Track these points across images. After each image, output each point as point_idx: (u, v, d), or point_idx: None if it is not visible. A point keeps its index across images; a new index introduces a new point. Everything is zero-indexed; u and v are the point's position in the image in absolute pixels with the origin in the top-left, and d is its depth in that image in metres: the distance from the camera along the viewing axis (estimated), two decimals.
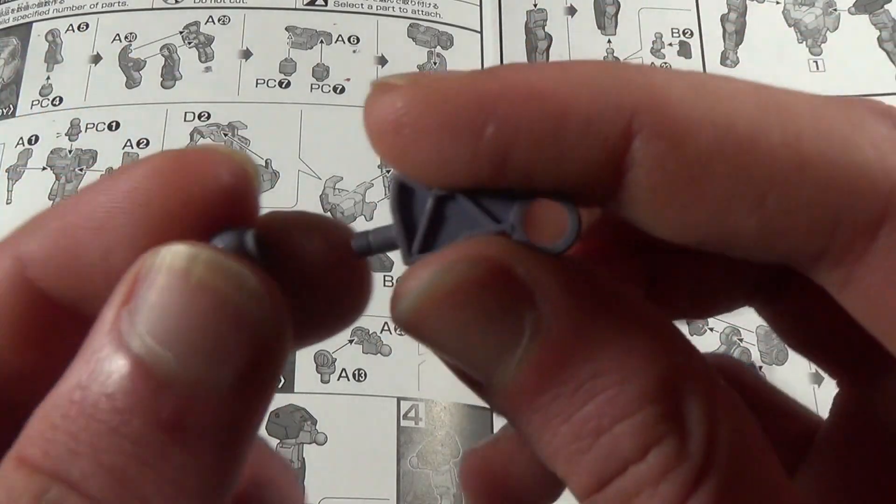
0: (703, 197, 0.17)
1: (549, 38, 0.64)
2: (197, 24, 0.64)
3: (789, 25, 0.65)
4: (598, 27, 0.65)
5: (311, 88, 0.61)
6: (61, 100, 0.61)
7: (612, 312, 0.18)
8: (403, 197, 0.19)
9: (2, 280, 0.20)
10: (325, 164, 0.59)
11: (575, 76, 0.18)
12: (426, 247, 0.19)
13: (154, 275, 0.18)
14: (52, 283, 0.20)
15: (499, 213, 0.19)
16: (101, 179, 0.20)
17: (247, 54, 0.63)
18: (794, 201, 0.17)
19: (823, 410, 0.55)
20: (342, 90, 0.61)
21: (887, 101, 0.62)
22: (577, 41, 0.64)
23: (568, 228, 0.18)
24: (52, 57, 0.62)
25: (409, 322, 0.18)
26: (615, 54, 0.64)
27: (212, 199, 0.19)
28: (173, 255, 0.18)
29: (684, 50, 0.64)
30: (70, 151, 0.59)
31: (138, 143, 0.59)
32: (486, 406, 0.56)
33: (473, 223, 0.19)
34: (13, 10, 0.65)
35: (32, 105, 0.61)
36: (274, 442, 0.51)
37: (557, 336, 0.18)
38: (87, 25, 0.64)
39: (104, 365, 0.17)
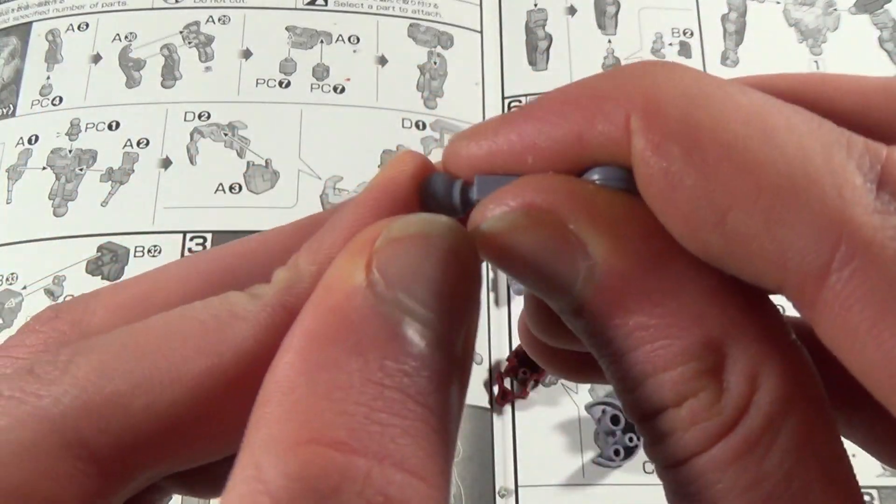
0: (675, 204, 0.18)
1: (549, 37, 0.64)
2: (197, 23, 0.64)
3: (790, 25, 0.65)
4: (599, 27, 0.65)
5: (312, 88, 0.61)
6: (61, 99, 0.61)
7: (665, 269, 0.19)
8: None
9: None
10: (325, 164, 0.59)
11: (585, 84, 0.20)
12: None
13: (400, 241, 0.19)
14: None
15: None
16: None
17: (247, 54, 0.63)
18: (748, 229, 0.17)
19: None
20: (342, 90, 0.61)
21: None
22: (578, 41, 0.64)
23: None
24: (52, 57, 0.62)
25: (481, 249, 0.19)
26: (615, 54, 0.64)
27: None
28: (414, 222, 0.19)
29: (685, 50, 0.64)
30: (70, 151, 0.59)
31: (138, 143, 0.59)
32: (487, 406, 0.57)
33: None
34: (13, 10, 0.65)
35: (32, 105, 0.61)
36: None
37: (607, 289, 0.19)
38: (87, 25, 0.64)
39: (376, 330, 0.17)
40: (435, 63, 0.63)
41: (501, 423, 0.53)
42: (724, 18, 0.65)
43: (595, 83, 0.20)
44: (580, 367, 0.26)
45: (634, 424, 0.20)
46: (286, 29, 0.63)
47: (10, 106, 0.61)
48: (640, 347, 0.19)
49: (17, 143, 0.60)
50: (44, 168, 0.59)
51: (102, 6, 0.64)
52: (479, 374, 0.54)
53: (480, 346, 0.54)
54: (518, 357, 0.53)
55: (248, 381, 0.19)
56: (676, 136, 0.18)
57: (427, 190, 0.21)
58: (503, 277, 0.56)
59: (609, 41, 0.64)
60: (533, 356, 0.26)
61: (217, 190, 0.58)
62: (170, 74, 0.62)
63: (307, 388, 0.17)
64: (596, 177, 0.20)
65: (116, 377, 0.18)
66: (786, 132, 0.17)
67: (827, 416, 0.19)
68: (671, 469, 0.19)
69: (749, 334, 0.19)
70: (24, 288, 0.55)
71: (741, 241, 0.17)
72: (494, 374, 0.54)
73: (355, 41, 0.63)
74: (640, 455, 0.51)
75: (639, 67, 0.19)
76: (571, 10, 0.65)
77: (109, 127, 0.60)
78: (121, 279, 0.55)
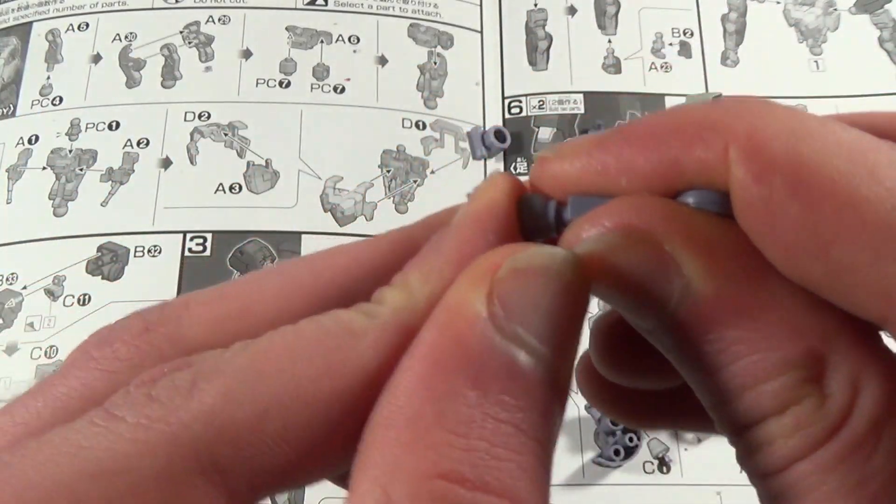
0: (776, 232, 0.19)
1: (549, 37, 0.64)
2: (197, 23, 0.64)
3: (790, 25, 0.65)
4: (599, 27, 0.65)
5: (312, 88, 0.61)
6: (61, 99, 0.61)
7: (760, 286, 0.20)
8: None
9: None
10: (325, 164, 0.59)
11: (683, 112, 0.21)
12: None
13: (522, 273, 0.19)
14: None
15: None
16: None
17: (247, 54, 0.63)
18: (853, 262, 0.18)
19: None
20: (342, 90, 0.61)
21: (887, 101, 0.61)
22: (578, 41, 0.64)
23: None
24: (53, 57, 0.62)
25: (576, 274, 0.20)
26: (615, 54, 0.64)
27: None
28: (537, 255, 0.19)
29: (685, 50, 0.64)
30: (70, 151, 0.59)
31: (138, 143, 0.59)
32: None
33: None
34: (13, 10, 0.65)
35: (32, 105, 0.61)
36: None
37: (702, 306, 0.19)
38: (87, 25, 0.64)
39: (496, 363, 0.18)
40: (435, 63, 0.63)
41: None
42: (724, 18, 0.65)
43: (693, 112, 0.20)
44: (640, 410, 0.26)
45: (727, 438, 0.20)
46: (286, 29, 0.63)
47: (11, 106, 0.61)
48: (737, 361, 0.19)
49: (17, 143, 0.60)
50: (44, 168, 0.59)
51: (102, 6, 0.64)
52: None
53: None
54: None
55: (365, 401, 0.19)
56: (780, 168, 0.18)
57: (524, 210, 0.22)
58: None
59: (609, 41, 0.64)
60: (591, 400, 0.26)
61: (217, 190, 0.58)
62: (170, 74, 0.62)
63: (434, 419, 0.17)
64: (690, 200, 0.20)
65: (246, 402, 0.18)
66: (888, 168, 0.18)
67: None
68: (770, 477, 0.19)
69: (848, 342, 0.19)
70: (25, 288, 0.55)
71: (844, 273, 0.18)
72: None
73: (355, 41, 0.63)
74: (641, 455, 0.51)
75: (739, 101, 0.20)
76: (571, 10, 0.65)
77: (109, 127, 0.60)
78: (120, 278, 0.55)
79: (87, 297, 0.55)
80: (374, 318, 0.20)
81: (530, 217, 0.22)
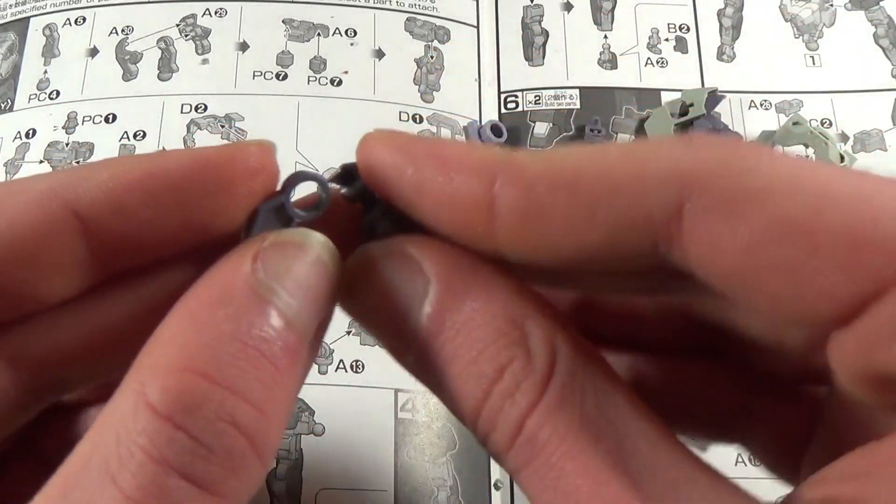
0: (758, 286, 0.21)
1: (545, 33, 0.64)
2: (194, 16, 0.64)
3: (786, 21, 0.65)
4: (595, 23, 0.65)
5: (309, 81, 0.61)
6: (58, 93, 0.61)
7: (478, 278, 0.23)
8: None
9: (57, 223, 0.24)
10: (322, 156, 0.59)
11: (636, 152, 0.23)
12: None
13: (282, 245, 0.24)
14: (105, 229, 0.24)
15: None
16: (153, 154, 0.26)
17: (244, 46, 0.63)
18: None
19: None
20: (339, 83, 0.61)
21: (882, 97, 0.61)
22: (574, 36, 0.64)
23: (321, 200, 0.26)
24: (50, 51, 0.62)
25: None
26: (611, 49, 0.64)
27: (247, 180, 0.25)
28: (296, 233, 0.24)
29: (681, 45, 0.64)
30: (67, 144, 0.59)
31: (135, 136, 0.59)
32: None
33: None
34: (10, 6, 0.65)
35: (30, 99, 0.61)
36: None
37: (440, 295, 0.23)
38: (84, 19, 0.64)
39: (250, 305, 0.22)
40: (432, 57, 0.63)
41: None
42: (721, 13, 0.65)
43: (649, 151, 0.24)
44: None
45: (475, 437, 0.23)
46: (283, 22, 0.63)
47: (8, 101, 0.61)
48: (465, 337, 0.23)
49: (15, 138, 0.60)
50: (41, 162, 0.59)
51: (99, 0, 0.64)
52: None
53: None
54: None
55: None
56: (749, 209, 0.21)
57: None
58: None
59: (605, 37, 0.64)
60: None
61: None
62: (166, 67, 0.62)
63: (192, 335, 0.22)
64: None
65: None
66: (848, 195, 0.21)
67: (608, 364, 0.23)
68: (510, 448, 0.22)
69: (541, 314, 0.23)
70: None
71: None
72: None
73: (352, 34, 0.63)
74: None
75: (684, 142, 0.22)
76: (567, 6, 0.65)
77: (106, 120, 0.60)
78: None
79: None
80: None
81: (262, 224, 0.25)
